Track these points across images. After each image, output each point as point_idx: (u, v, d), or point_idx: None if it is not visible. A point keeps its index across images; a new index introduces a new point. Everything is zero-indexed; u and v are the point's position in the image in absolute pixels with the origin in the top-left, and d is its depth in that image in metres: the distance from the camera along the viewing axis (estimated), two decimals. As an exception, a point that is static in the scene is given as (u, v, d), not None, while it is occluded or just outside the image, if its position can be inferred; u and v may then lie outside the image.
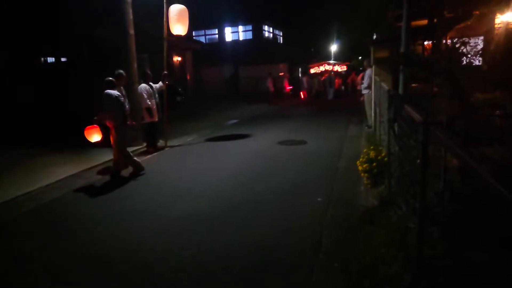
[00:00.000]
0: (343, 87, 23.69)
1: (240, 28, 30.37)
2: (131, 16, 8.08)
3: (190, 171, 6.41)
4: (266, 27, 30.85)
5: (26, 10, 11.30)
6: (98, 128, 6.15)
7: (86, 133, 6.10)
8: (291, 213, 4.25)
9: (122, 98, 6.13)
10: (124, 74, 6.89)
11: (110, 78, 6.14)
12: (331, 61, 27.35)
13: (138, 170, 6.21)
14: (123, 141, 6.04)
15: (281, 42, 35.29)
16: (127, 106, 6.92)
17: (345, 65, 26.91)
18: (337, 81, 22.30)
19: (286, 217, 4.13)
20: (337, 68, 25.52)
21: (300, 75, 25.37)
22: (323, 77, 22.68)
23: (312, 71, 25.57)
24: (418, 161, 2.43)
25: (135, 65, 8.23)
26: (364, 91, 9.75)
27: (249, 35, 30.04)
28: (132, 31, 8.14)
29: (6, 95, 10.62)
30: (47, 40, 12.07)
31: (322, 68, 25.21)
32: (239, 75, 26.15)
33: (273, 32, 32.76)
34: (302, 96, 21.39)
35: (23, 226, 4.31)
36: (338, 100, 19.83)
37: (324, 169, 6.04)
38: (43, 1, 11.32)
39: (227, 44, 30.19)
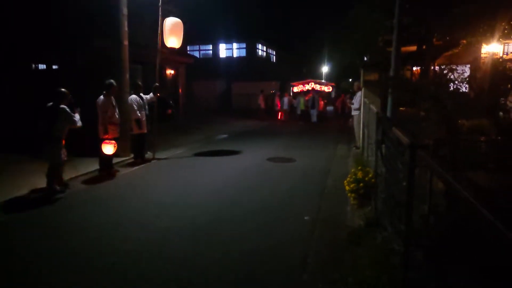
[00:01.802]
0: (327, 109, 21.63)
1: (234, 45, 30.74)
2: (126, 28, 8.11)
3: (176, 183, 6.34)
4: (260, 46, 31.28)
5: (18, 17, 11.26)
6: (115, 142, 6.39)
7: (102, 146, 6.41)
8: (278, 231, 4.21)
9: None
10: (115, 84, 6.89)
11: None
12: (317, 80, 24.54)
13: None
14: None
15: (274, 60, 35.79)
16: (117, 116, 6.90)
17: (331, 85, 24.35)
18: (321, 102, 19.90)
19: (272, 235, 4.09)
20: (324, 88, 22.84)
21: (278, 92, 21.77)
22: (307, 97, 19.94)
23: (296, 89, 22.85)
24: (404, 183, 2.45)
25: (127, 76, 8.21)
26: (354, 113, 9.89)
27: (243, 52, 30.40)
28: (126, 42, 8.16)
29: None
30: (38, 47, 11.98)
31: (308, 87, 22.21)
32: (231, 91, 26.30)
33: (266, 51, 33.22)
34: (280, 117, 19.79)
35: (5, 233, 4.18)
36: (321, 124, 18.06)
37: (312, 188, 6.04)
38: (37, 8, 11.30)
39: (220, 60, 30.46)
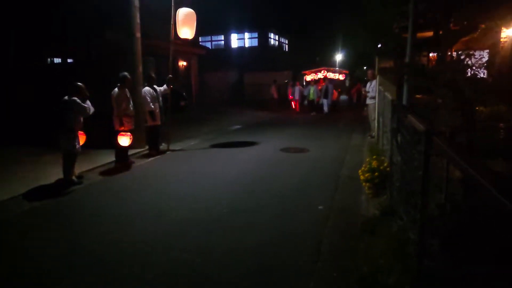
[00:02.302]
0: (341, 98, 20.38)
1: (246, 35, 30.56)
2: (138, 20, 8.15)
3: (191, 175, 6.40)
4: (272, 35, 31.01)
5: (34, 11, 11.43)
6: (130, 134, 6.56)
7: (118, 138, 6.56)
8: (292, 220, 4.22)
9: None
10: (128, 76, 6.95)
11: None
12: (331, 68, 23.55)
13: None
14: None
15: (287, 50, 35.44)
16: (132, 108, 6.97)
17: (344, 73, 23.10)
18: (335, 92, 18.80)
19: (286, 224, 4.11)
20: (337, 76, 21.80)
21: (291, 82, 20.51)
22: (320, 86, 18.73)
23: (308, 78, 21.76)
24: (420, 172, 2.42)
25: (141, 68, 8.28)
26: (369, 101, 9.75)
27: (255, 42, 30.20)
28: (138, 34, 8.20)
29: (13, 95, 10.70)
30: (54, 41, 12.18)
31: (320, 75, 21.05)
32: (244, 81, 26.23)
33: (278, 40, 32.92)
34: (293, 106, 19.04)
35: (24, 224, 4.31)
36: (335, 114, 17.23)
37: (326, 177, 6.02)
38: (50, 2, 11.45)
39: (232, 50, 30.36)
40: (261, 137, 10.24)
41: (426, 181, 2.28)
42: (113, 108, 6.83)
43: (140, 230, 4.00)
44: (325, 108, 17.61)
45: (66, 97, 5.72)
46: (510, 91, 4.94)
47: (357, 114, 15.33)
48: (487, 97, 4.68)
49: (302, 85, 19.92)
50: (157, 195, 5.23)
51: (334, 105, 18.14)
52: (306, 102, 18.60)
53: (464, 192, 3.37)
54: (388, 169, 4.57)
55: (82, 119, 5.86)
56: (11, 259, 3.45)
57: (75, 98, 5.70)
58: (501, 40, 9.55)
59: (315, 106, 18.11)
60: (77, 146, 5.78)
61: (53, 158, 7.19)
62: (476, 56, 4.87)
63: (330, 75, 20.92)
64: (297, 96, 18.63)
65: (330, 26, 30.68)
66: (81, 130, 5.97)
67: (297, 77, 23.50)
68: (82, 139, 6.03)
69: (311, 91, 18.31)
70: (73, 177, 5.81)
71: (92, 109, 5.90)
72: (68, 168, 5.75)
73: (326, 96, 17.62)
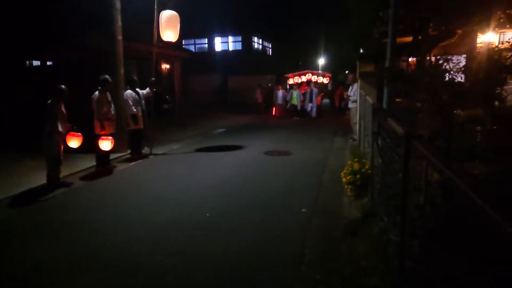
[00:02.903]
0: (324, 101, 19.40)
1: (230, 38, 30.56)
2: (119, 22, 8.04)
3: (174, 179, 6.34)
4: (255, 39, 31.12)
5: (13, 12, 11.15)
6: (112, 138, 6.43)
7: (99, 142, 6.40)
8: (275, 223, 4.23)
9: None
10: (109, 79, 6.85)
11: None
12: (315, 71, 22.43)
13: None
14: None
15: (270, 54, 35.62)
16: (113, 112, 6.87)
17: (328, 76, 21.86)
18: (319, 96, 17.75)
19: (270, 227, 4.11)
20: (321, 79, 20.52)
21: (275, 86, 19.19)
22: (303, 90, 17.96)
23: (291, 81, 20.46)
24: (400, 174, 2.46)
25: (122, 71, 8.16)
26: (351, 105, 9.88)
27: (239, 46, 30.23)
28: (120, 37, 8.09)
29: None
30: (33, 43, 11.89)
31: (304, 78, 20.07)
32: (227, 85, 26.21)
33: (262, 44, 33.06)
34: (274, 112, 17.87)
35: (2, 232, 4.19)
36: (318, 118, 16.67)
37: (309, 180, 6.06)
38: (30, 4, 11.19)
39: (216, 53, 30.30)
40: (245, 140, 10.24)
41: (406, 183, 2.32)
42: (94, 112, 6.71)
43: (122, 235, 3.94)
44: (313, 113, 17.01)
45: (49, 101, 5.62)
46: (486, 95, 5.09)
47: (339, 118, 15.52)
48: (464, 101, 4.81)
49: (286, 89, 19.14)
50: (139, 200, 5.16)
51: (318, 110, 17.45)
52: (288, 105, 17.77)
53: (443, 194, 3.45)
54: (369, 171, 4.63)
55: (65, 121, 5.78)
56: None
57: (50, 102, 5.62)
58: (478, 45, 9.86)
59: (298, 111, 17.46)
60: (58, 150, 5.65)
61: (34, 163, 7.03)
62: (454, 61, 5.00)
63: (315, 78, 20.10)
64: (279, 100, 17.71)
65: (313, 31, 31.06)
66: (75, 132, 5.94)
67: (281, 81, 23.31)
68: (76, 140, 5.96)
69: (294, 95, 17.61)
70: (65, 180, 5.83)
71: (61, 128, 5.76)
72: (51, 172, 5.66)
73: (311, 100, 17.07)
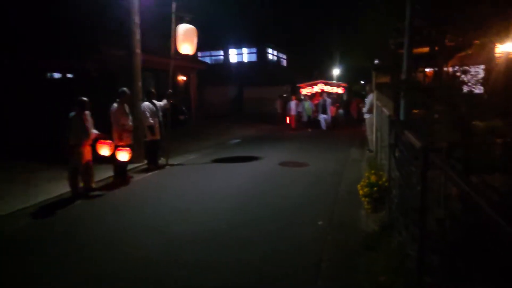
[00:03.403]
0: (340, 112, 18.58)
1: (245, 50, 30.94)
2: (138, 36, 8.25)
3: (190, 189, 6.39)
4: (270, 50, 31.39)
5: (34, 26, 11.55)
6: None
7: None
8: (291, 236, 4.21)
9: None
10: (127, 91, 7.02)
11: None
12: (328, 81, 21.45)
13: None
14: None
15: (285, 64, 35.81)
16: (130, 123, 7.02)
17: (343, 86, 21.02)
18: (333, 107, 17.19)
19: (285, 240, 4.09)
20: (335, 89, 19.73)
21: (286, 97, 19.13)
22: (316, 100, 17.41)
23: (304, 92, 19.76)
24: (418, 187, 2.44)
25: (140, 83, 8.35)
26: (367, 116, 9.82)
27: (254, 57, 30.55)
28: (138, 50, 8.30)
29: (11, 110, 10.73)
30: (53, 56, 12.28)
31: (316, 89, 19.40)
32: (243, 96, 26.42)
33: (277, 55, 33.31)
34: (288, 121, 17.35)
35: (21, 240, 4.28)
36: (333, 130, 15.98)
37: (325, 192, 6.02)
38: (51, 18, 11.59)
39: (231, 65, 30.68)
40: (260, 151, 10.26)
41: (424, 197, 2.30)
42: (112, 123, 6.86)
43: (138, 246, 3.98)
44: (323, 125, 16.34)
45: (72, 113, 5.89)
46: (505, 107, 5.00)
47: (356, 129, 15.40)
48: (483, 113, 4.74)
49: (300, 99, 18.40)
50: (156, 210, 5.22)
51: (333, 122, 16.78)
52: (305, 118, 17.37)
53: (463, 208, 3.38)
54: (386, 184, 4.58)
55: (88, 132, 6.01)
56: (7, 274, 3.43)
57: (74, 114, 5.85)
58: (496, 56, 9.69)
59: (310, 121, 17.09)
60: (79, 162, 5.86)
61: (51, 174, 7.21)
62: (471, 72, 4.95)
63: (328, 88, 19.39)
64: (292, 112, 17.17)
65: (328, 42, 31.09)
66: (105, 140, 6.24)
67: (295, 92, 22.95)
68: (107, 148, 6.23)
69: (306, 106, 17.30)
70: (93, 185, 6.17)
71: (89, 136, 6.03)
72: (71, 182, 5.89)
73: (324, 112, 16.42)
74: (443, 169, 2.02)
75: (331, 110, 16.65)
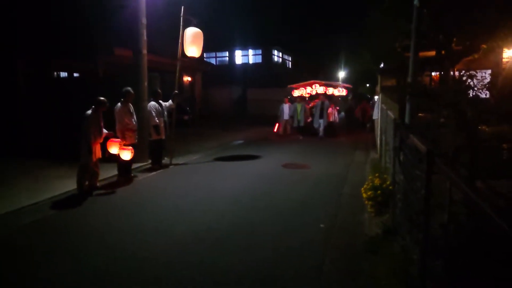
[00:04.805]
0: (340, 115, 16.22)
1: (250, 51, 31.01)
2: (144, 37, 8.30)
3: (193, 189, 6.40)
4: (275, 52, 31.42)
5: (43, 26, 11.65)
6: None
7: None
8: (293, 238, 4.20)
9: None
10: (131, 91, 7.06)
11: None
12: (327, 81, 17.59)
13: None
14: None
15: (290, 66, 35.83)
16: (134, 123, 7.06)
17: (344, 87, 17.46)
18: (331, 110, 14.84)
19: (287, 242, 4.08)
20: (335, 91, 16.43)
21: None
22: (312, 103, 15.36)
23: (297, 93, 16.64)
24: (422, 191, 2.42)
25: (146, 84, 8.38)
26: (375, 117, 9.79)
27: (259, 59, 30.61)
28: (145, 51, 8.34)
29: (21, 108, 10.81)
30: (62, 55, 12.38)
31: (310, 90, 16.37)
32: (247, 97, 26.45)
33: (282, 57, 33.33)
34: (276, 129, 15.25)
35: (26, 237, 4.31)
36: (331, 139, 13.82)
37: (328, 195, 6.00)
38: (58, 18, 11.68)
39: (236, 66, 30.76)
40: (263, 152, 10.25)
41: (428, 201, 2.28)
42: (116, 122, 6.90)
43: (141, 246, 3.98)
44: (321, 132, 14.32)
45: (89, 111, 6.06)
46: (512, 112, 4.97)
47: (360, 132, 15.34)
48: (489, 118, 4.70)
49: (292, 102, 15.90)
50: (159, 210, 5.23)
51: (329, 129, 14.63)
52: (296, 123, 15.11)
53: (467, 213, 3.36)
54: (391, 187, 4.56)
55: (101, 131, 6.23)
56: (11, 270, 3.45)
57: (88, 113, 6.03)
58: (503, 60, 9.63)
59: (302, 127, 14.91)
60: (89, 159, 6.02)
61: (60, 171, 7.28)
62: (478, 77, 4.92)
63: (327, 90, 16.29)
64: (285, 116, 15.12)
65: (333, 44, 31.10)
66: (115, 138, 6.46)
67: (289, 94, 19.84)
68: (117, 146, 6.39)
69: (298, 110, 15.02)
70: (97, 184, 6.32)
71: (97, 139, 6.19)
72: (79, 179, 6.05)
73: (321, 116, 14.44)
74: (448, 174, 2.01)
75: (328, 114, 14.63)
